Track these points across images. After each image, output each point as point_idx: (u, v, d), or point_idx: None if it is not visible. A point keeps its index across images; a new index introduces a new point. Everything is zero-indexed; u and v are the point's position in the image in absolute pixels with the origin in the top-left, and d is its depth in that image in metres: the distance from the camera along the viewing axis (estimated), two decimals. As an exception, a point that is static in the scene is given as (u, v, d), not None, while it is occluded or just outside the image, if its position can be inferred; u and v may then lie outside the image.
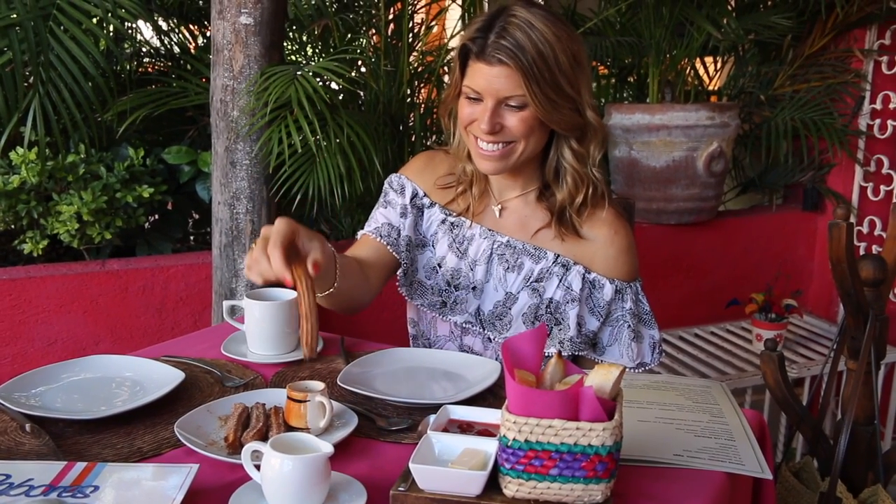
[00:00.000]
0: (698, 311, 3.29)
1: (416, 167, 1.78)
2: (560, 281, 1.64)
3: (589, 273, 1.64)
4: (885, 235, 3.29)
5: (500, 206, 1.70)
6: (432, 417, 1.18)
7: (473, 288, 1.69)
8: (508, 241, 1.68)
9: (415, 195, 1.75)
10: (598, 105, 1.68)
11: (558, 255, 1.64)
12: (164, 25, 3.06)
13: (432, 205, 1.75)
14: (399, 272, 1.76)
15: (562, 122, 1.55)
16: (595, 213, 1.65)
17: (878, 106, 3.32)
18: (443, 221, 1.73)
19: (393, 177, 1.79)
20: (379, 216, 1.76)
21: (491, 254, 1.68)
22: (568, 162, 1.62)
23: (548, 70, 1.48)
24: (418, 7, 3.19)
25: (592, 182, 1.63)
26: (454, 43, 3.21)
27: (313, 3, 3.08)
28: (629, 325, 1.65)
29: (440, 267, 1.73)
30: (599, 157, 1.64)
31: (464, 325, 1.70)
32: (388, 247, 1.71)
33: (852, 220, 3.32)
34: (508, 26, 1.48)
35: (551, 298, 1.64)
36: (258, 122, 2.29)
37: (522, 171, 1.66)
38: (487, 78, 1.50)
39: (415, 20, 3.15)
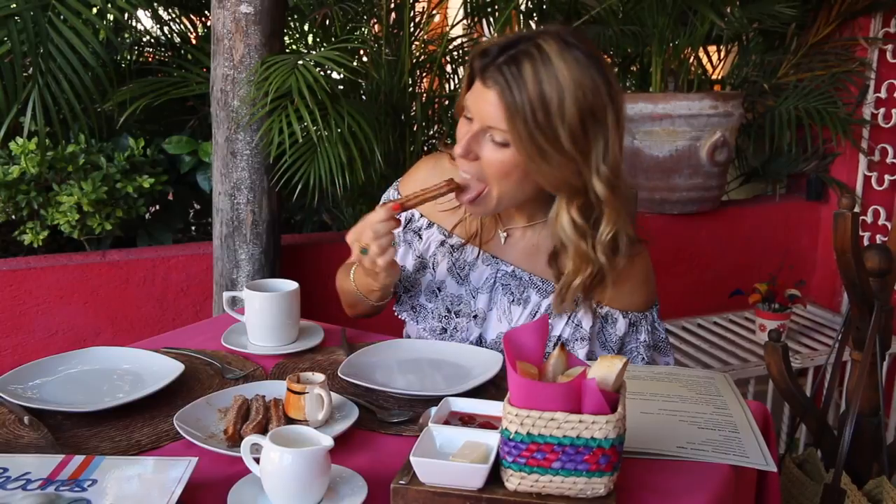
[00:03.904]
0: (701, 301, 3.27)
1: (419, 184, 1.61)
2: (569, 318, 1.53)
3: (601, 307, 1.54)
4: (889, 225, 3.28)
5: (505, 234, 1.59)
6: (433, 410, 1.17)
7: (475, 316, 1.61)
8: (514, 272, 1.58)
9: (409, 220, 1.66)
10: (620, 177, 1.43)
11: None
12: (164, 15, 3.04)
13: (430, 225, 1.66)
14: (398, 296, 1.69)
15: (550, 178, 1.40)
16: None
17: (882, 95, 3.29)
18: (442, 244, 1.64)
19: (392, 193, 1.70)
20: None
21: (494, 282, 1.59)
22: (566, 234, 1.45)
23: (545, 115, 1.33)
24: (420, -5, 3.17)
25: (596, 263, 1.45)
26: (457, 32, 3.20)
27: (314, -9, 3.06)
28: (643, 358, 1.56)
29: (440, 291, 1.64)
30: (609, 237, 1.44)
31: None
32: None
33: (857, 209, 3.33)
34: (522, 55, 1.35)
35: (559, 336, 1.54)
36: (259, 112, 2.28)
37: (525, 206, 1.53)
38: (479, 100, 1.38)
39: (416, 9, 3.13)
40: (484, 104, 1.38)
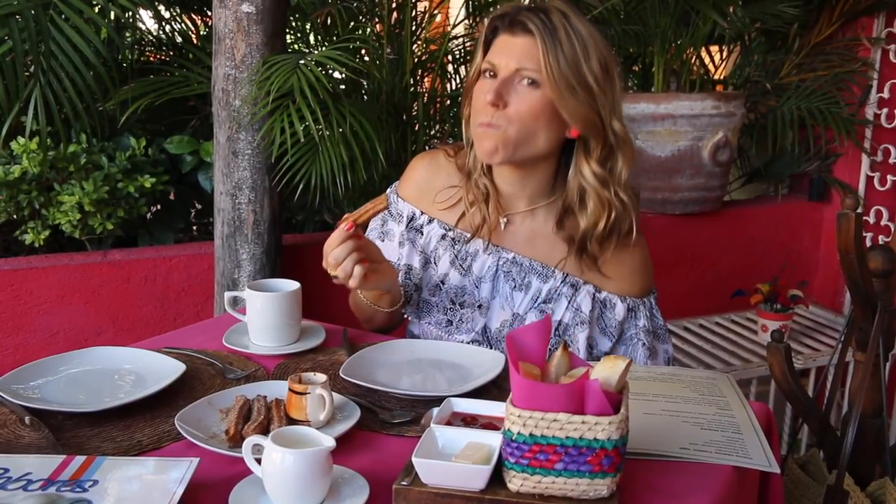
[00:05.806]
0: (703, 301, 3.27)
1: (416, 184, 1.70)
2: (569, 302, 1.57)
3: (599, 292, 1.58)
4: (891, 226, 3.27)
5: (506, 219, 1.62)
6: (436, 410, 1.17)
7: (479, 306, 1.63)
8: (514, 258, 1.61)
9: (412, 218, 1.68)
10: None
11: (567, 274, 1.58)
12: (165, 14, 3.04)
13: (431, 221, 1.67)
14: (410, 295, 1.70)
15: (578, 113, 1.46)
16: (620, 250, 1.57)
17: (885, 95, 3.29)
18: (443, 237, 1.66)
19: (391, 197, 1.72)
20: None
21: (496, 270, 1.62)
22: (589, 184, 1.52)
23: (573, 56, 1.43)
24: (422, -5, 3.17)
25: (617, 207, 1.53)
26: (458, 31, 3.19)
27: (316, -10, 3.05)
28: (644, 343, 1.60)
29: (443, 284, 1.66)
30: (626, 176, 1.54)
31: (471, 343, 1.63)
32: None
33: (860, 210, 3.32)
34: (545, 6, 1.47)
35: (560, 321, 1.58)
36: (260, 112, 2.27)
37: (528, 181, 1.58)
38: (508, 47, 1.47)
39: (418, 8, 3.13)
40: (514, 48, 1.46)
